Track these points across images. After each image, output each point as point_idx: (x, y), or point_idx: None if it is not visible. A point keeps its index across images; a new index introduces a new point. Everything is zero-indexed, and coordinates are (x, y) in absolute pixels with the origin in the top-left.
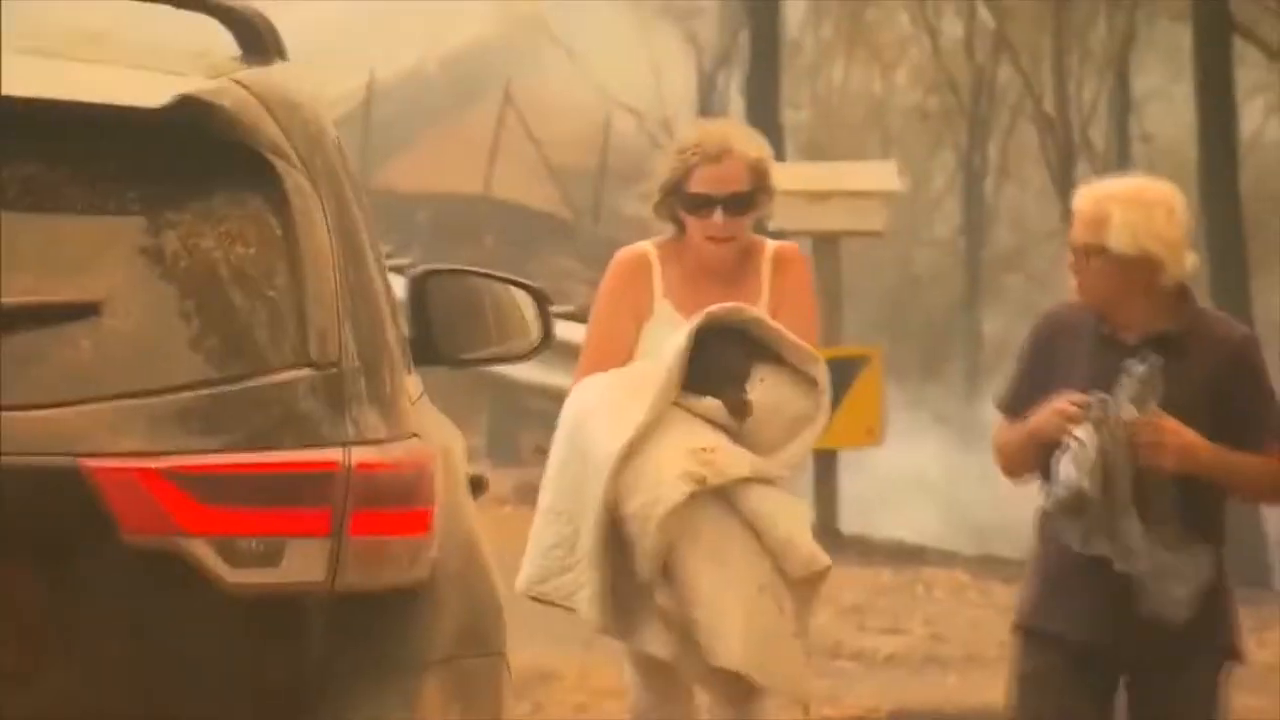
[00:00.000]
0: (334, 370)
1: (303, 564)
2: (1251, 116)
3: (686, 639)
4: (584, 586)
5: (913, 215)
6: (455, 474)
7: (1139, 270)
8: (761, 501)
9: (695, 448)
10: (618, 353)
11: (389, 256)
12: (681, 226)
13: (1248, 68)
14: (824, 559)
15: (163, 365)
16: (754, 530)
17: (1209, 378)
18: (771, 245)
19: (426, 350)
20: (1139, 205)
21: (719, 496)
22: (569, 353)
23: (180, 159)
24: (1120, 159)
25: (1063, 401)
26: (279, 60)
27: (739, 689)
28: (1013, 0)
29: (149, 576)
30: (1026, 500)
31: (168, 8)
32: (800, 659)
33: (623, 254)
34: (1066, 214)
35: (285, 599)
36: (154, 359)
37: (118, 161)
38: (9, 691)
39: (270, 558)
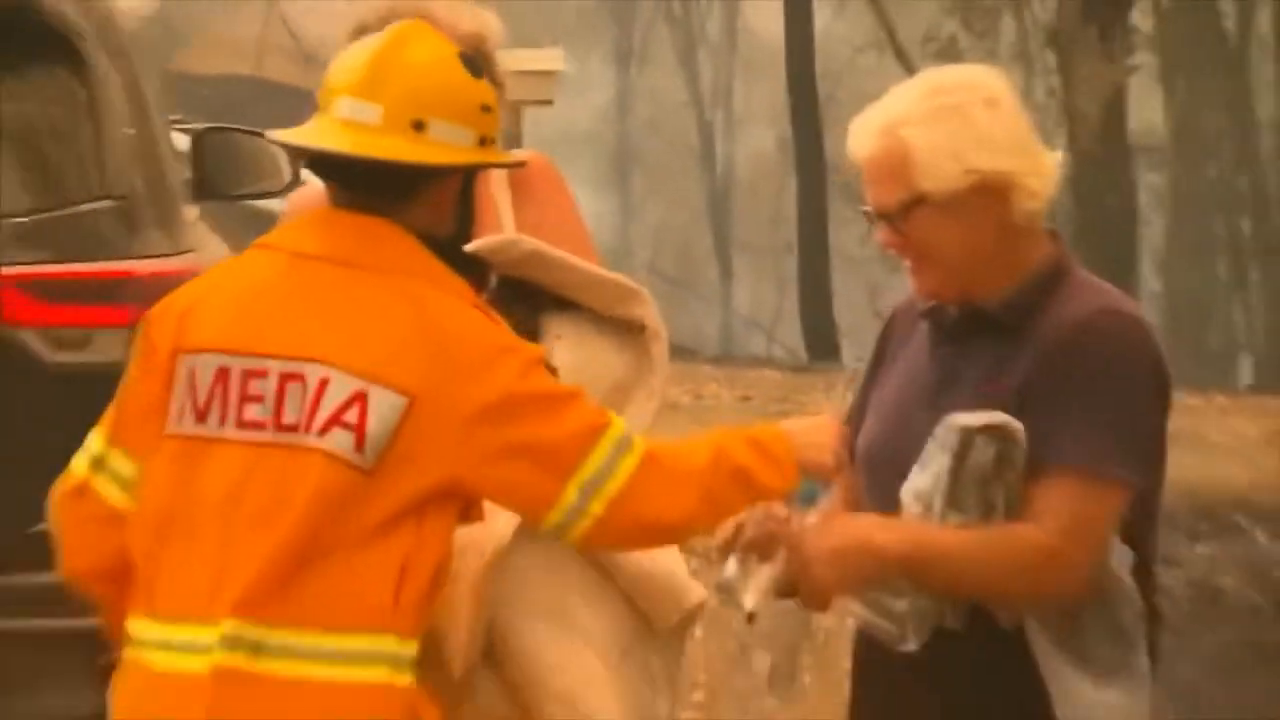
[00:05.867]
0: (126, 201)
1: (108, 348)
2: (822, 14)
3: None
4: None
5: (576, 90)
6: None
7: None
8: None
9: None
10: None
11: (183, 122)
12: None
13: None
14: (698, 591)
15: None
16: (598, 571)
17: None
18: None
19: (205, 188)
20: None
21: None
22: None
23: (3, 42)
24: (729, 48)
25: None
26: None
27: None
28: None
29: None
30: None
31: None
32: None
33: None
34: (695, 95)
35: (94, 376)
36: None
37: None
38: None
39: (83, 344)
